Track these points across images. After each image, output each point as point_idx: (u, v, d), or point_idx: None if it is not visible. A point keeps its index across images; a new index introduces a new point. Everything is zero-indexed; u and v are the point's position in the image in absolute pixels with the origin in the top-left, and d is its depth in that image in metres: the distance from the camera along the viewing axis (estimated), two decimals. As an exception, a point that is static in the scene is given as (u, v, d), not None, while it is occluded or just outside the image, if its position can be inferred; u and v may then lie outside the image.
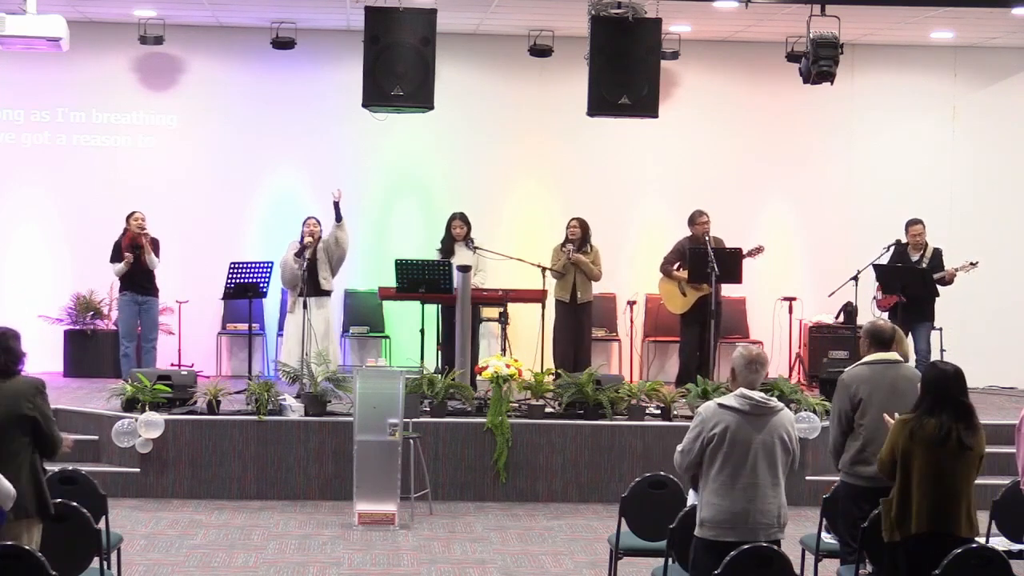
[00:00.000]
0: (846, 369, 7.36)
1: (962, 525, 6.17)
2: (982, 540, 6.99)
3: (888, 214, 12.87)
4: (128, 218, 12.61)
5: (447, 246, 12.72)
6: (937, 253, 12.42)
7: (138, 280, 12.59)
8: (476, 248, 12.58)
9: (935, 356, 12.32)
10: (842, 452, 7.16)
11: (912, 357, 12.06)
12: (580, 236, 12.97)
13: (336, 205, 12.26)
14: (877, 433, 6.87)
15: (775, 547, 5.92)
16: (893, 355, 7.17)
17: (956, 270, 12.19)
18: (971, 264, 12.21)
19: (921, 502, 6.13)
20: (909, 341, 12.18)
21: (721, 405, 6.10)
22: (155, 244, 12.64)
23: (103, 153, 14.23)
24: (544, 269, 12.68)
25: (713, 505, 6.05)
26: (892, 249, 12.54)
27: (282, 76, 14.22)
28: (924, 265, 12.30)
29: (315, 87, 14.26)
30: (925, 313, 12.24)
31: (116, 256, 12.57)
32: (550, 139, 14.47)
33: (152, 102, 14.28)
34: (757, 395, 6.07)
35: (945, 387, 6.19)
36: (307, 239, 12.15)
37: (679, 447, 6.21)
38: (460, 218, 12.80)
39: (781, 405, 6.15)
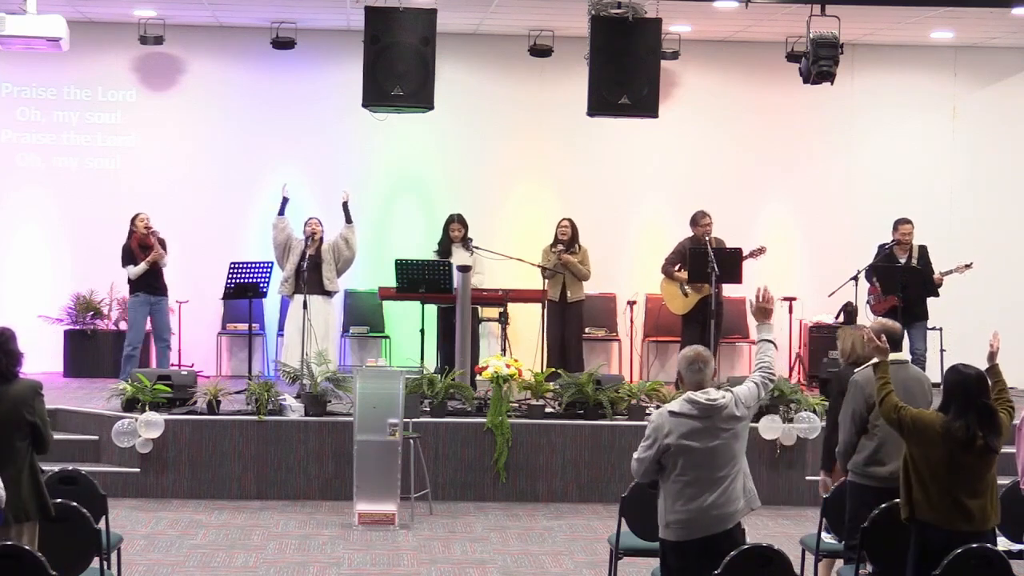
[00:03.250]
0: (856, 370, 7.33)
1: (989, 518, 6.22)
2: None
3: (888, 214, 12.85)
4: (134, 219, 12.62)
5: (444, 247, 12.73)
6: (924, 251, 12.42)
7: (150, 280, 12.58)
8: (474, 249, 12.58)
9: (934, 355, 12.36)
10: (852, 453, 7.14)
11: (908, 357, 12.10)
12: (570, 236, 13.01)
13: (345, 206, 12.34)
14: (890, 435, 6.85)
15: (774, 547, 5.93)
16: (902, 355, 7.17)
17: (944, 274, 12.16)
18: (966, 266, 12.20)
19: (940, 498, 6.16)
20: (905, 343, 12.32)
21: (672, 412, 6.10)
22: (162, 243, 12.65)
23: (103, 153, 14.24)
24: (543, 269, 12.70)
25: (676, 509, 6.06)
26: (879, 254, 12.53)
27: (282, 76, 14.23)
28: (914, 264, 12.30)
29: (315, 87, 14.26)
30: (919, 313, 12.25)
31: (128, 259, 12.54)
32: (550, 139, 14.47)
33: (152, 102, 14.28)
34: (702, 397, 6.07)
35: (967, 392, 6.20)
36: (309, 240, 12.24)
37: (635, 455, 6.22)
38: (458, 220, 12.81)
39: (728, 397, 6.12)
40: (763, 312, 6.53)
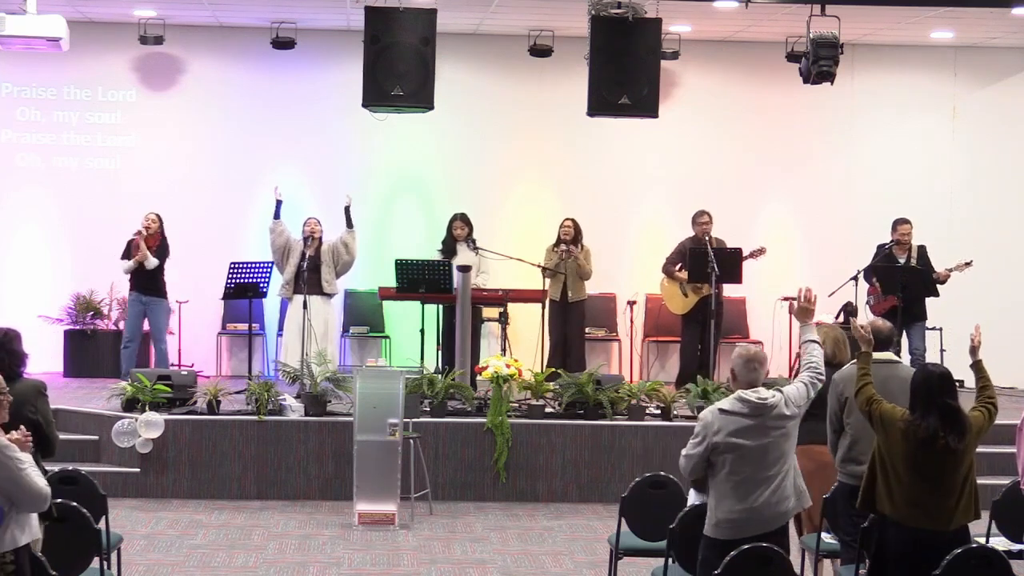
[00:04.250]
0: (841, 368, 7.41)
1: (954, 518, 6.17)
2: (982, 539, 7.00)
3: (888, 214, 12.86)
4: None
5: (448, 247, 12.74)
6: (923, 251, 12.43)
7: (142, 280, 12.64)
8: (478, 249, 12.61)
9: (934, 356, 12.35)
10: (835, 451, 7.24)
11: (907, 356, 12.10)
12: (573, 236, 13.04)
13: (347, 210, 12.34)
14: (863, 433, 6.94)
15: (775, 547, 5.94)
16: (887, 355, 7.19)
17: (950, 270, 12.19)
18: (966, 264, 12.20)
19: (900, 494, 6.16)
20: (905, 343, 12.32)
21: (722, 410, 6.17)
22: (162, 246, 12.67)
23: (103, 153, 14.24)
24: (544, 269, 12.71)
25: (726, 507, 6.11)
26: (878, 254, 12.52)
27: (282, 76, 14.22)
28: (913, 264, 12.30)
29: (315, 87, 14.26)
30: (918, 313, 12.26)
31: (126, 254, 12.65)
32: (550, 139, 14.47)
33: (152, 102, 14.28)
34: (753, 396, 6.13)
35: (929, 390, 6.19)
36: (308, 240, 12.25)
37: (684, 451, 6.27)
38: (461, 219, 12.83)
39: (778, 396, 6.17)
40: (805, 312, 6.56)
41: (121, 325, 13.72)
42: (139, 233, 12.57)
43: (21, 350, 6.42)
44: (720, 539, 6.11)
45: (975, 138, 14.67)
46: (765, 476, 6.09)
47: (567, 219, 13.18)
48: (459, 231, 12.76)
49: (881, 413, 6.28)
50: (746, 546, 5.92)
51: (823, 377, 6.46)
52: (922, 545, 6.05)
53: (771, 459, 6.11)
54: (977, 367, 6.56)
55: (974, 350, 6.60)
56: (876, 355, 7.11)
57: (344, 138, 14.26)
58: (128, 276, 12.72)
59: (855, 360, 7.18)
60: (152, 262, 12.56)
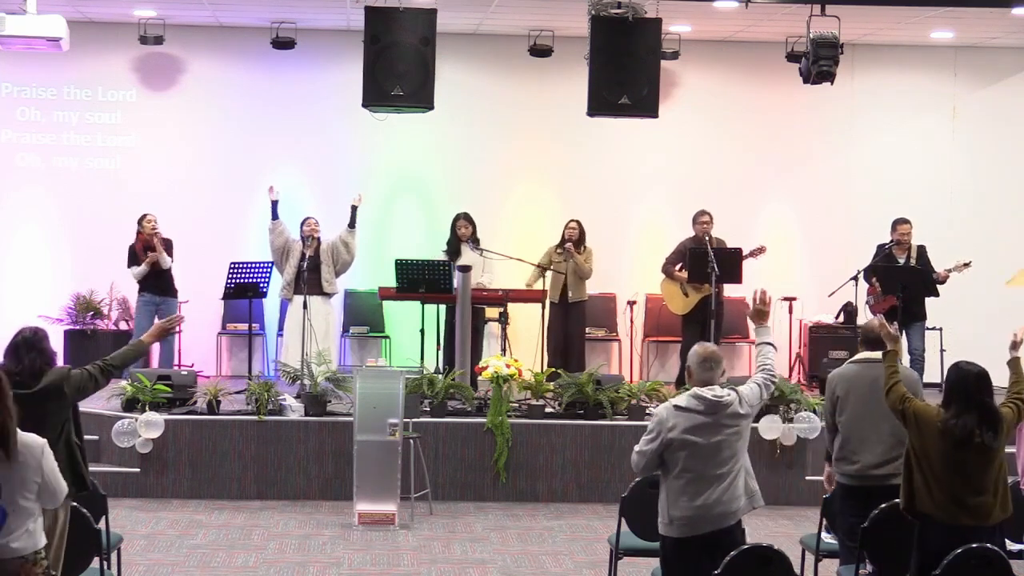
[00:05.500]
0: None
1: (992, 513, 6.22)
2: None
3: (888, 214, 12.86)
4: (140, 220, 12.63)
5: (453, 247, 12.74)
6: (922, 251, 12.42)
7: (154, 281, 12.59)
8: (482, 250, 12.60)
9: (933, 356, 12.36)
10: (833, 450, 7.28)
11: (906, 357, 12.10)
12: (578, 237, 13.04)
13: (354, 210, 12.33)
14: (852, 432, 7.02)
15: (774, 547, 5.95)
16: (878, 355, 7.20)
17: (949, 271, 12.18)
18: (964, 264, 12.20)
19: (940, 492, 6.19)
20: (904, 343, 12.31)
21: (677, 407, 6.15)
22: (168, 244, 12.67)
23: (103, 153, 14.24)
24: (544, 269, 12.71)
25: (680, 505, 6.10)
26: (878, 254, 12.52)
27: (282, 76, 14.23)
28: (913, 264, 12.30)
29: (315, 87, 14.26)
30: (918, 313, 12.26)
31: (131, 260, 12.56)
32: (550, 139, 14.47)
33: (152, 102, 14.28)
34: (709, 393, 6.12)
35: (966, 389, 6.22)
36: (307, 240, 12.25)
37: (637, 448, 6.25)
38: (464, 218, 12.84)
39: (733, 395, 6.17)
40: (760, 314, 6.58)
41: (122, 325, 13.74)
42: (155, 234, 12.52)
43: (49, 348, 6.53)
44: (673, 537, 6.13)
45: (975, 138, 14.67)
46: (716, 474, 6.07)
47: (572, 220, 13.18)
48: (463, 230, 12.77)
49: (915, 411, 6.28)
50: (746, 546, 5.93)
51: (776, 379, 6.47)
52: (966, 541, 6.04)
53: (723, 457, 6.09)
54: (1014, 364, 6.59)
55: (1015, 346, 6.63)
56: (868, 354, 7.15)
57: (344, 138, 14.27)
58: (138, 280, 12.63)
59: (852, 359, 7.24)
60: (167, 261, 12.55)
